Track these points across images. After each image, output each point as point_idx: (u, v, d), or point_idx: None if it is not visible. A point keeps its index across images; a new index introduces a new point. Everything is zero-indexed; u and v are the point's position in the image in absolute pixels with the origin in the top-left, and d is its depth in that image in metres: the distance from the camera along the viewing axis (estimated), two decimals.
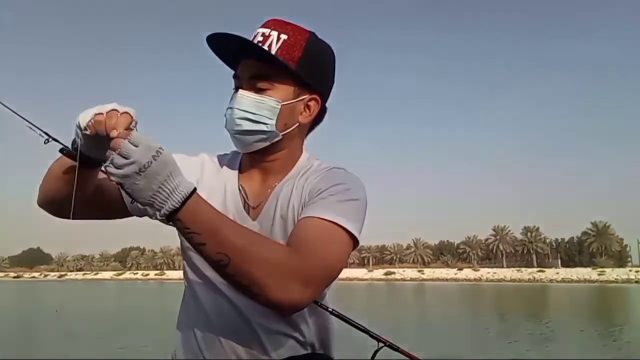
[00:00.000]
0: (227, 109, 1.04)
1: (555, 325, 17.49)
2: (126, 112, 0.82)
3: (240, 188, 1.09)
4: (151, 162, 0.77)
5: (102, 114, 0.82)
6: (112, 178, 0.78)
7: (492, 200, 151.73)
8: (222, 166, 1.14)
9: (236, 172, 1.12)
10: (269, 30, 1.02)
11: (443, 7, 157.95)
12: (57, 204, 1.02)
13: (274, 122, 1.03)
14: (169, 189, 0.78)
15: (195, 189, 0.82)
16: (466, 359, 10.75)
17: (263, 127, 1.03)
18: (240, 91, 1.03)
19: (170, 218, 0.80)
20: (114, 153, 0.77)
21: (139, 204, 0.80)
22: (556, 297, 37.67)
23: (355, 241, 0.95)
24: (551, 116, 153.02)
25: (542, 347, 12.21)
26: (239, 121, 1.02)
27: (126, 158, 0.76)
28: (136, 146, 0.77)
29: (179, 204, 0.79)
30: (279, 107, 1.02)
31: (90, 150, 0.88)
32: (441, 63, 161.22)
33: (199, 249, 0.83)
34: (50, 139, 0.96)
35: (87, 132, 0.83)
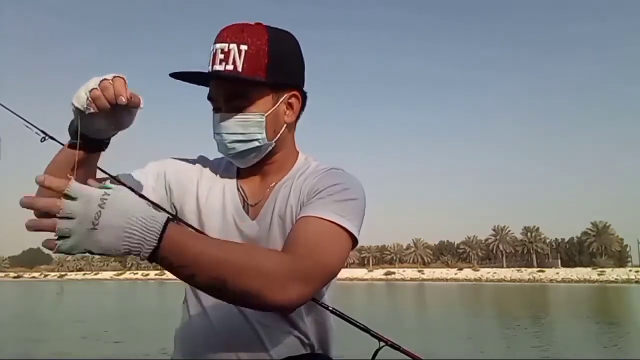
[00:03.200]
0: (215, 134, 1.04)
1: (555, 325, 17.50)
2: (119, 77, 0.81)
3: (240, 188, 1.10)
4: (100, 213, 0.68)
5: (96, 88, 0.81)
6: (69, 253, 0.69)
7: (492, 200, 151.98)
8: (220, 167, 1.14)
9: (235, 172, 1.12)
10: (227, 45, 0.99)
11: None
12: None
13: (264, 135, 1.03)
14: (138, 232, 0.70)
15: (168, 219, 0.74)
16: (466, 359, 10.76)
17: (256, 144, 1.03)
18: (222, 115, 1.02)
19: (152, 259, 0.73)
20: (52, 222, 0.67)
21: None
22: (556, 297, 37.67)
23: (354, 240, 0.95)
24: (551, 116, 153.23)
25: (542, 347, 12.22)
26: (231, 145, 1.02)
27: (71, 218, 0.67)
28: (75, 199, 0.68)
29: (155, 244, 0.71)
30: (264, 119, 1.02)
31: (91, 130, 0.88)
32: (440, 64, 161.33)
33: (190, 280, 0.79)
34: (46, 137, 0.94)
35: (90, 110, 0.82)
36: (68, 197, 0.68)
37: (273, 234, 1.03)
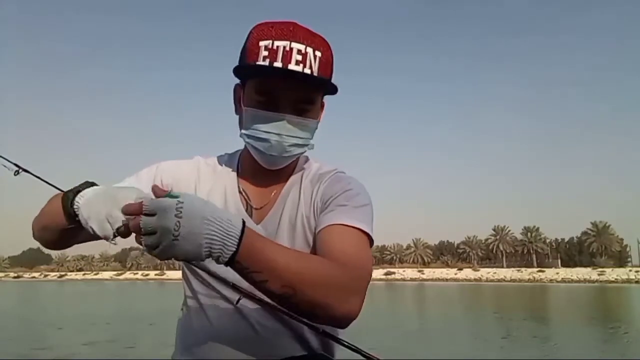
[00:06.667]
0: (270, 133, 0.98)
1: (555, 325, 17.52)
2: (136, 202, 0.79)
3: (242, 190, 1.08)
4: (179, 223, 0.70)
5: (122, 226, 0.80)
6: (160, 259, 0.75)
7: (492, 200, 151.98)
8: (218, 168, 1.12)
9: (235, 174, 1.10)
10: (304, 47, 0.96)
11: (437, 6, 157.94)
12: (54, 246, 1.03)
13: (312, 140, 1.04)
14: (218, 237, 0.72)
15: (244, 224, 0.76)
16: (465, 359, 10.77)
17: (306, 149, 1.04)
18: (290, 117, 0.98)
19: (229, 264, 0.75)
20: (141, 237, 0.73)
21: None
22: (556, 297, 37.67)
23: (372, 244, 0.99)
24: (551, 116, 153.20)
25: (542, 347, 12.23)
26: (290, 148, 1.00)
27: (153, 233, 0.71)
28: (153, 215, 0.71)
29: (234, 249, 0.73)
30: (316, 125, 1.04)
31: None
32: (438, 63, 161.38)
33: (261, 286, 0.79)
34: (20, 170, 0.94)
35: (112, 240, 0.83)
36: (146, 214, 0.72)
37: (280, 240, 1.02)
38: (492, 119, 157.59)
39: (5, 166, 0.94)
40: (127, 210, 0.77)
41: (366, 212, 1.00)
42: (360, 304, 0.86)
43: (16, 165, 0.94)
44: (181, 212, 0.70)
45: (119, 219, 0.80)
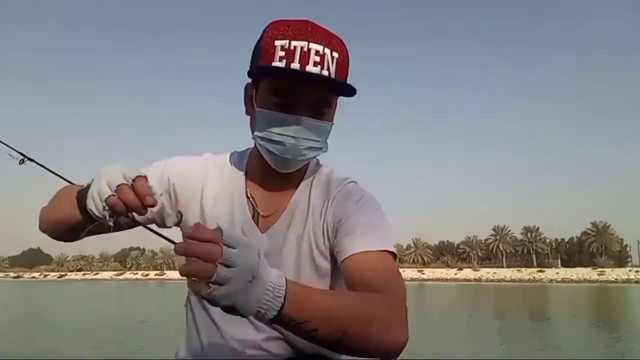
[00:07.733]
0: (287, 136, 0.95)
1: (555, 325, 17.57)
2: (141, 177, 0.76)
3: (249, 195, 1.05)
4: (259, 264, 0.65)
5: (113, 195, 0.74)
6: (220, 302, 0.64)
7: (492, 200, 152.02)
8: (227, 170, 1.08)
9: (243, 177, 1.07)
10: (322, 48, 0.92)
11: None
12: (63, 238, 1.02)
13: (327, 143, 1.01)
14: (270, 289, 0.66)
15: (287, 282, 0.70)
16: (466, 359, 10.82)
17: (320, 152, 1.01)
18: (306, 119, 0.94)
19: (275, 319, 0.68)
20: (213, 266, 0.62)
21: (242, 315, 0.67)
22: (556, 297, 37.73)
23: (395, 259, 0.97)
24: (551, 116, 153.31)
25: (541, 347, 12.28)
26: (304, 152, 0.97)
27: (231, 266, 0.62)
28: (235, 248, 0.63)
29: (282, 302, 0.67)
30: (331, 127, 1.01)
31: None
32: (439, 65, 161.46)
33: (311, 335, 0.74)
34: (25, 159, 0.94)
35: (107, 219, 0.76)
36: (228, 245, 0.63)
37: (287, 252, 1.01)
38: (492, 119, 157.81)
39: (10, 155, 0.93)
40: (204, 236, 0.63)
41: (385, 230, 0.97)
42: (406, 332, 0.83)
43: (21, 154, 0.93)
44: (260, 254, 0.67)
45: (106, 192, 0.74)
